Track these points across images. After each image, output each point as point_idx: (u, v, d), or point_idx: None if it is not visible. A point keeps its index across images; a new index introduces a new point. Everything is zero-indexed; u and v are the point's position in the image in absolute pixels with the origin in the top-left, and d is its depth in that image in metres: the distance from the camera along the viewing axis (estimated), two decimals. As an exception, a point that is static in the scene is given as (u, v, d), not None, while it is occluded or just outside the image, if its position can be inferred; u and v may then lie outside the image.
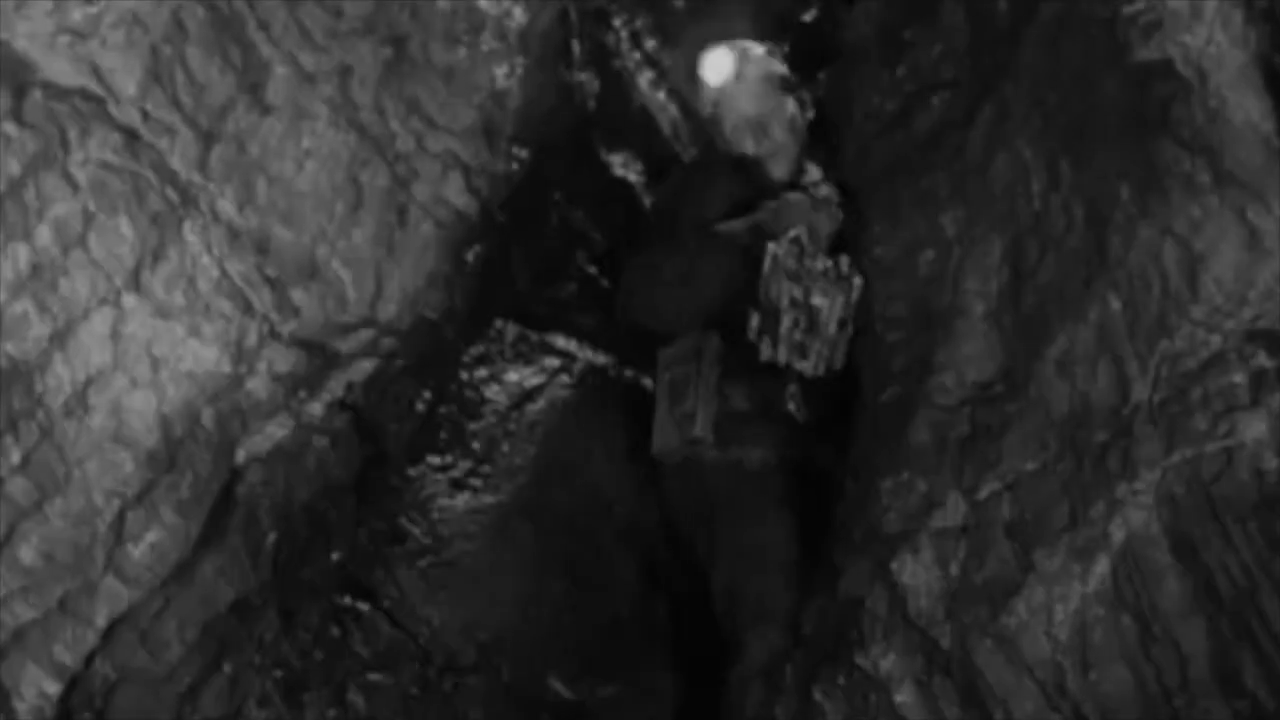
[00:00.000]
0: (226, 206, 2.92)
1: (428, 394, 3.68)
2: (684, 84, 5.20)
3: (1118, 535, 3.05)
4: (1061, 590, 3.12)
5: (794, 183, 4.48)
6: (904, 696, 3.40)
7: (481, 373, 4.52)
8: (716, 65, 4.48)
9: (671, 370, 4.19)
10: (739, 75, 4.49)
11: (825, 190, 4.49)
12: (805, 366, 4.06)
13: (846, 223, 4.32)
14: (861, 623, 3.51)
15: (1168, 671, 2.97)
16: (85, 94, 2.74)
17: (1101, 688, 3.06)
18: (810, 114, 4.68)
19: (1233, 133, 3.04)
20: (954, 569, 3.37)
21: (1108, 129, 3.32)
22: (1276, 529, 2.82)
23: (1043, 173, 3.50)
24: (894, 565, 3.45)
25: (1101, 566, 3.07)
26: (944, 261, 3.77)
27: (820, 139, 4.68)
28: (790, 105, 4.56)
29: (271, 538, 3.20)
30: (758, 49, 4.62)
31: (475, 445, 4.47)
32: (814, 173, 4.61)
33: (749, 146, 4.44)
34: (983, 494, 3.36)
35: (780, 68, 4.60)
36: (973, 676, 3.25)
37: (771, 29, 5.10)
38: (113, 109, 2.78)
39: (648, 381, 4.53)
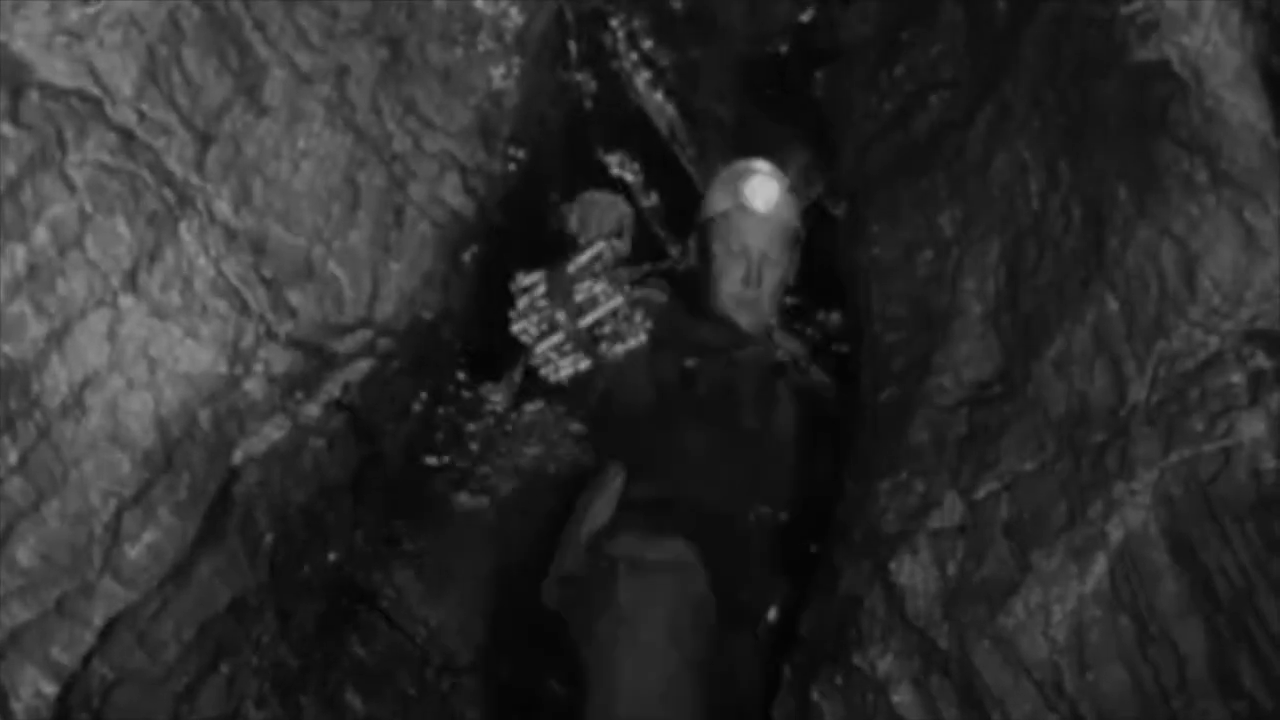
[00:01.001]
0: (223, 207, 2.92)
1: (425, 395, 3.68)
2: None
3: (1115, 535, 3.05)
4: (1059, 590, 3.12)
5: (749, 339, 4.27)
6: (902, 696, 3.40)
7: (479, 373, 4.52)
8: (765, 191, 4.27)
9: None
10: (776, 208, 4.27)
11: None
12: (549, 365, 3.55)
13: (844, 223, 4.30)
14: (859, 623, 3.51)
15: (1165, 672, 2.97)
16: (82, 94, 2.73)
17: (1099, 688, 3.05)
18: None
19: (1230, 133, 3.04)
20: (952, 569, 3.37)
21: (1106, 129, 3.32)
22: (1274, 529, 2.82)
23: (1041, 173, 3.50)
24: (892, 565, 3.45)
25: (1099, 566, 3.07)
26: (942, 262, 3.77)
27: (819, 139, 4.68)
28: (788, 266, 4.38)
29: (269, 539, 3.20)
30: (792, 193, 4.47)
31: (472, 446, 4.48)
32: (782, 341, 4.52)
33: (734, 279, 4.20)
34: (981, 494, 3.36)
35: (798, 222, 4.43)
36: (970, 677, 3.25)
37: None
38: (109, 109, 2.78)
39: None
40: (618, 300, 3.46)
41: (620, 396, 3.91)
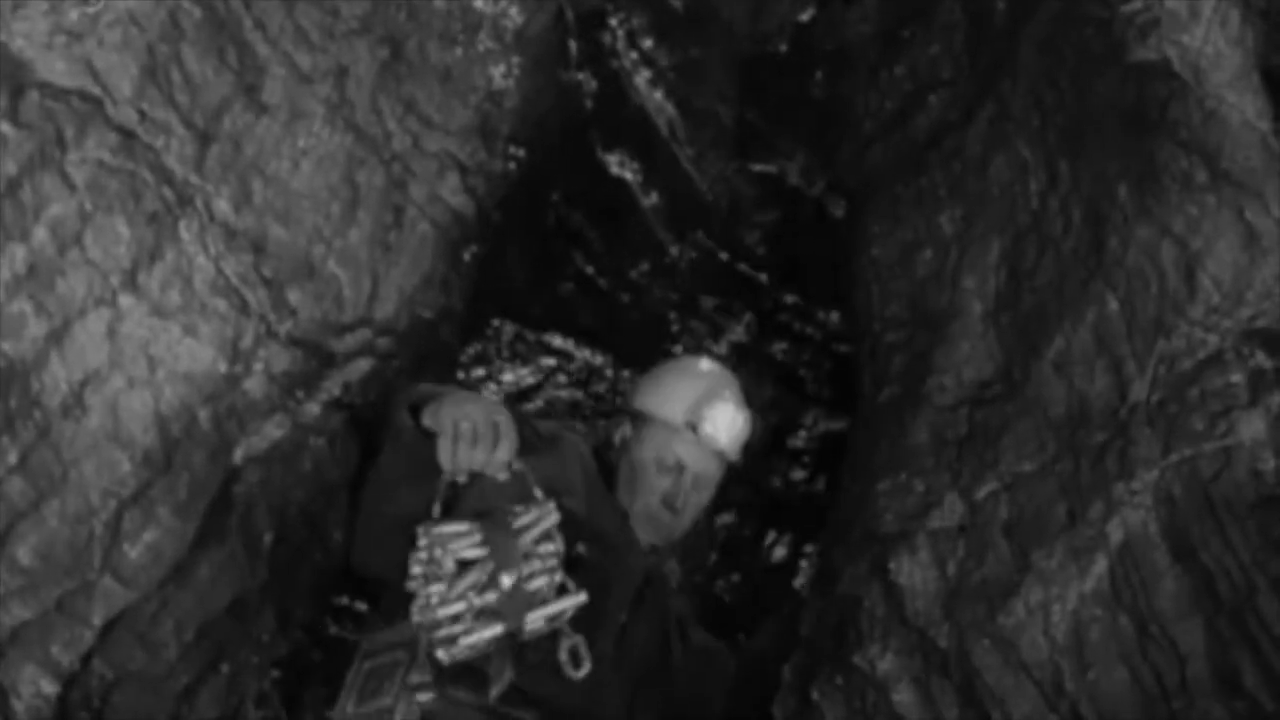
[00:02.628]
0: (223, 206, 2.92)
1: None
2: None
3: (1115, 535, 3.05)
4: (1059, 590, 3.12)
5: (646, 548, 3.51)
6: (902, 696, 3.40)
7: (478, 372, 4.52)
8: (731, 432, 3.54)
9: (376, 658, 3.11)
10: (732, 448, 3.54)
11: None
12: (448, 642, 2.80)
13: (844, 222, 4.28)
14: (859, 623, 3.51)
15: (1166, 672, 2.97)
16: (82, 94, 2.73)
17: (1099, 688, 3.06)
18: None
19: (1230, 132, 3.05)
20: (952, 569, 3.37)
21: (1105, 128, 3.33)
22: (1275, 529, 2.82)
23: (1041, 172, 3.51)
24: (892, 565, 3.45)
25: (1099, 566, 3.08)
26: (942, 261, 3.77)
27: (818, 139, 4.68)
28: (707, 499, 3.62)
29: (268, 538, 3.19)
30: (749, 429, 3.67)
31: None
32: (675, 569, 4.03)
33: (655, 494, 3.46)
34: (980, 494, 3.36)
35: (738, 460, 3.65)
36: (970, 676, 3.25)
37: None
38: (109, 109, 2.77)
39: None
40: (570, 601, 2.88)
41: None
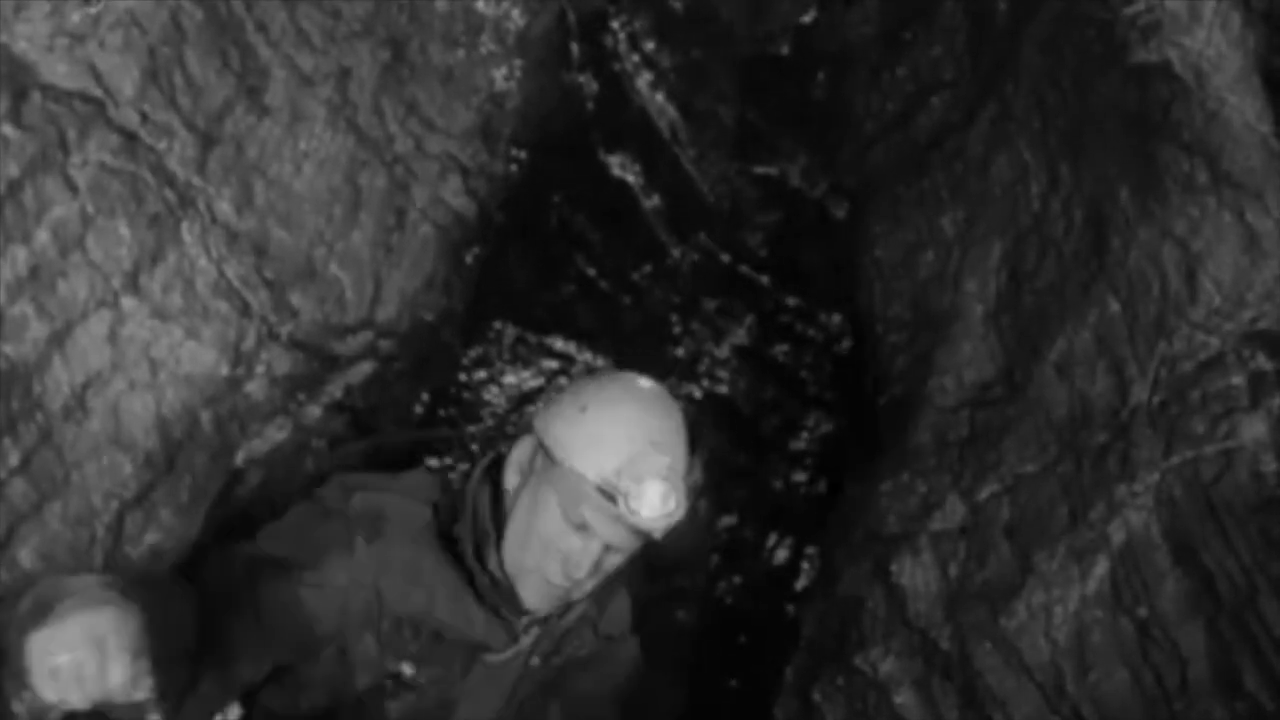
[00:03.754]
0: (225, 208, 2.92)
1: (426, 396, 3.67)
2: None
3: (1117, 537, 3.06)
4: (1061, 592, 3.12)
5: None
6: (903, 698, 3.40)
7: (480, 375, 4.52)
8: (663, 510, 2.61)
9: None
10: (654, 525, 2.63)
11: None
12: None
13: (846, 224, 4.27)
14: (861, 624, 3.51)
15: (1167, 673, 2.97)
16: (84, 96, 2.73)
17: (1101, 689, 3.06)
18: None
19: (1231, 134, 3.05)
20: (953, 570, 3.37)
21: (1107, 130, 3.33)
22: (1275, 530, 2.82)
23: (1042, 174, 3.51)
24: (894, 567, 3.46)
25: (1101, 568, 3.08)
26: (944, 262, 3.78)
27: (820, 140, 4.68)
28: (622, 562, 2.77)
29: (270, 540, 3.20)
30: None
31: (473, 448, 4.47)
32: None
33: (551, 552, 2.66)
34: (982, 495, 3.36)
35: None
36: (972, 678, 3.25)
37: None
38: (111, 111, 2.77)
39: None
40: None
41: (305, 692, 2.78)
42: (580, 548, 2.68)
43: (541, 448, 2.73)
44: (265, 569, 2.64)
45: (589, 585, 2.77)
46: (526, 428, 2.83)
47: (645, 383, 2.85)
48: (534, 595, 2.73)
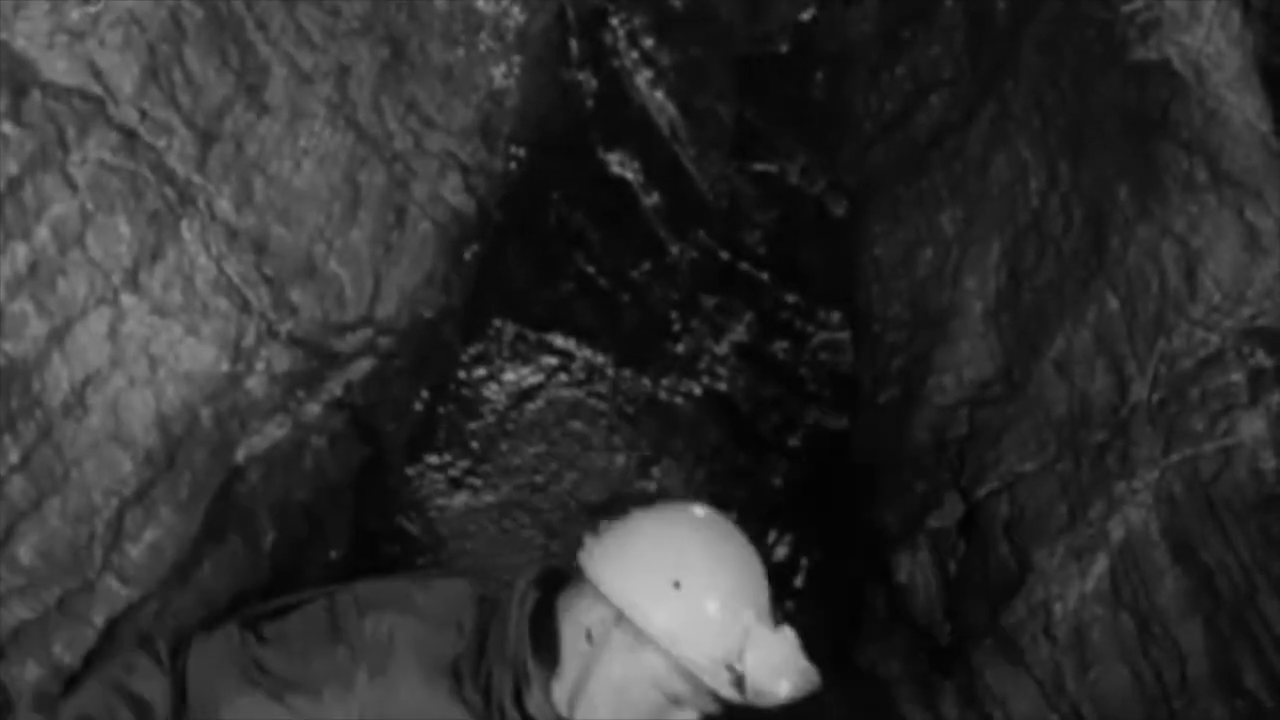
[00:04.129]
0: (224, 206, 2.92)
1: (426, 393, 3.67)
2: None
3: (1116, 535, 3.06)
4: (1060, 589, 3.13)
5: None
6: (903, 695, 3.41)
7: (480, 372, 4.52)
8: (805, 680, 2.52)
9: None
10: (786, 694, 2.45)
11: None
12: None
13: (845, 222, 4.26)
14: (861, 622, 3.52)
15: (1167, 670, 2.98)
16: (84, 94, 2.73)
17: (1100, 687, 3.06)
18: None
19: (1231, 132, 3.05)
20: (953, 568, 3.37)
21: (1106, 129, 3.33)
22: (1275, 528, 2.83)
23: (1041, 172, 3.51)
24: (893, 565, 3.46)
25: (1100, 566, 3.08)
26: (943, 261, 3.78)
27: (819, 139, 4.67)
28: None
29: (270, 537, 3.19)
30: None
31: (473, 444, 4.47)
32: None
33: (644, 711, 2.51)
34: (981, 493, 3.37)
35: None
36: (971, 676, 3.25)
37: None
38: (111, 109, 2.77)
39: (646, 380, 4.54)
40: None
41: None
42: (662, 712, 2.55)
43: (624, 620, 2.50)
44: (263, 680, 2.55)
45: None
46: (581, 573, 2.59)
47: (724, 528, 2.65)
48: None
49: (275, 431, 3.12)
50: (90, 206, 2.74)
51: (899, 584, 3.44)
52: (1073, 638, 3.10)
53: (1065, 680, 3.10)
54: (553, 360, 4.78)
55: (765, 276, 5.05)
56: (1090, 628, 3.09)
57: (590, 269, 4.91)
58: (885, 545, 3.53)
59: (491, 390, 4.52)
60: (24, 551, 2.74)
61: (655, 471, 4.45)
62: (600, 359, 4.75)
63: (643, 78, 5.15)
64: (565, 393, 4.71)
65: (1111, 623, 3.07)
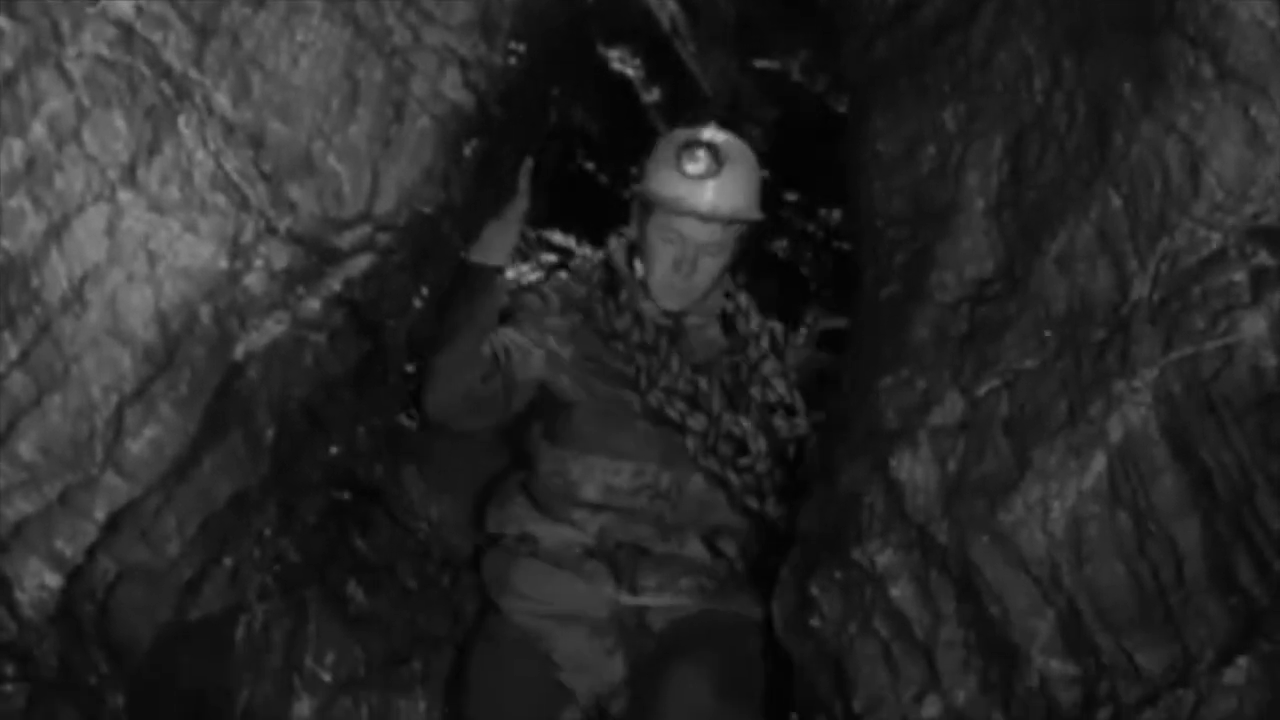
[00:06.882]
0: (221, 101, 2.90)
1: (425, 290, 3.66)
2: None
3: (1115, 433, 3.06)
4: (1058, 487, 3.13)
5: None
6: (900, 591, 3.42)
7: (480, 269, 4.50)
8: (703, 160, 3.86)
9: None
10: (720, 208, 3.87)
11: None
12: None
13: (847, 118, 4.24)
14: (859, 518, 3.52)
15: (1163, 568, 2.99)
16: (78, -13, 2.71)
17: (1096, 583, 3.08)
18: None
19: (1238, 28, 3.02)
20: (952, 466, 3.38)
21: (1111, 23, 3.29)
22: (1274, 427, 2.83)
23: (1045, 68, 3.48)
24: (892, 462, 3.46)
25: (1098, 464, 3.08)
26: (945, 157, 3.75)
27: (821, 34, 4.64)
28: (723, 261, 4.00)
29: (270, 433, 3.20)
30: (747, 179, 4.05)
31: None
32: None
33: (663, 260, 3.90)
34: (981, 391, 3.36)
35: (756, 212, 4.06)
36: (969, 572, 3.27)
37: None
38: (106, 2, 2.75)
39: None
40: None
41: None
42: (679, 251, 3.79)
43: (638, 200, 3.95)
44: None
45: (700, 280, 3.86)
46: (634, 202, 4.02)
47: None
48: (666, 296, 3.89)
49: (274, 328, 3.12)
50: (86, 102, 2.73)
51: (898, 481, 3.44)
52: (1070, 534, 3.11)
53: (1062, 576, 3.11)
54: (552, 257, 4.78)
55: (766, 174, 5.04)
56: (1087, 525, 3.09)
57: (590, 165, 4.90)
58: (884, 442, 3.53)
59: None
60: (25, 447, 2.76)
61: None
62: (599, 255, 4.75)
63: (644, -28, 5.12)
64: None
65: (1109, 520, 3.07)
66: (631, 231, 3.95)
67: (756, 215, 3.94)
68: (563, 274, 4.62)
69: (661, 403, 3.68)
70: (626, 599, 3.62)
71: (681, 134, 3.97)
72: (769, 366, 3.93)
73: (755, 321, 3.95)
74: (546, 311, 3.82)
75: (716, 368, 3.87)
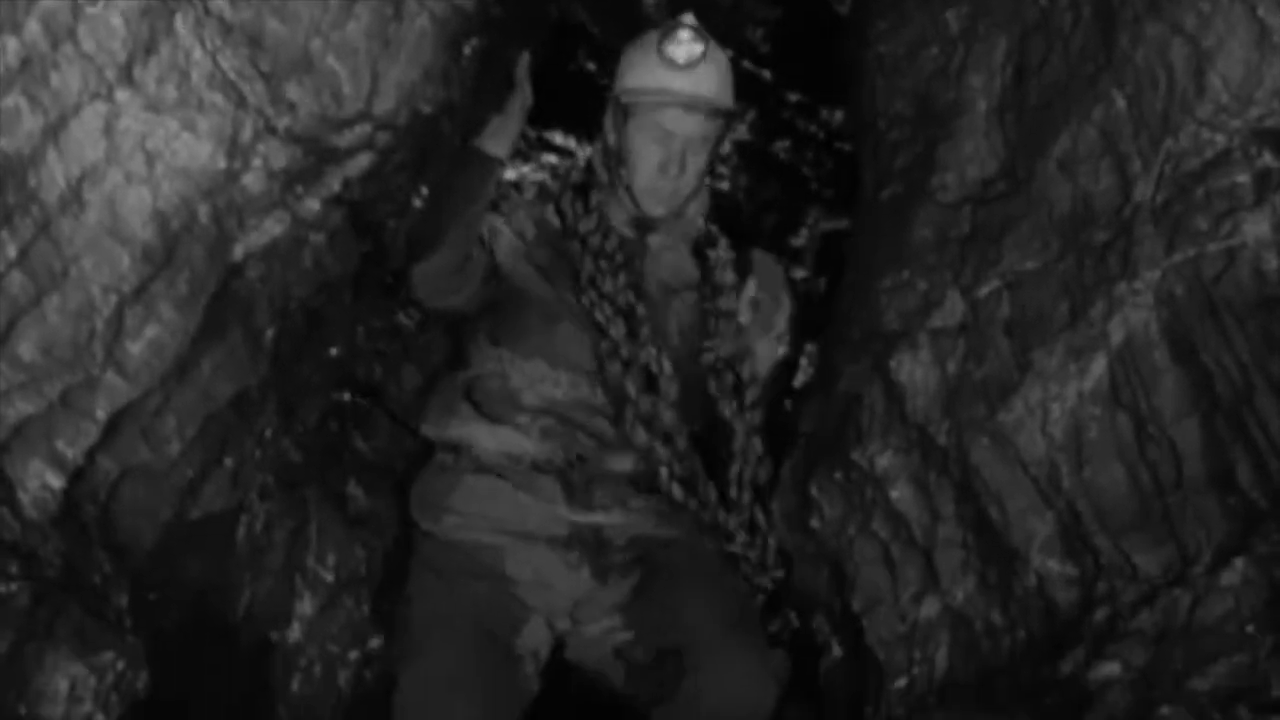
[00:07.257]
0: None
1: (425, 189, 3.65)
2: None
3: (1116, 335, 3.06)
4: (1059, 389, 3.14)
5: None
6: (899, 492, 3.44)
7: (479, 169, 4.49)
8: (686, 43, 3.49)
9: None
10: (704, 58, 3.51)
11: None
12: None
13: (849, 19, 4.20)
14: (859, 420, 3.54)
15: (1162, 469, 3.00)
16: (72, -121, 2.68)
17: (1095, 484, 3.09)
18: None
19: (1246, -74, 2.99)
20: (952, 367, 3.38)
21: (1117, -79, 3.26)
22: (1275, 329, 2.82)
23: (1050, -34, 3.45)
24: (892, 363, 3.47)
25: (1099, 366, 3.09)
26: (948, 58, 3.73)
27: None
28: (705, 160, 3.59)
29: (270, 333, 3.20)
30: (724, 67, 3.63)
31: (476, 239, 4.46)
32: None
33: (649, 161, 3.49)
34: (982, 293, 3.36)
35: (729, 100, 3.61)
36: (968, 473, 3.28)
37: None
38: (101, -102, 2.72)
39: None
40: None
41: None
42: (664, 151, 3.42)
43: (615, 103, 3.52)
44: None
45: (687, 181, 3.48)
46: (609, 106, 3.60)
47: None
48: (651, 202, 3.49)
49: (273, 228, 3.11)
50: (81, -1, 2.70)
51: (898, 382, 3.45)
52: (1070, 436, 3.12)
53: (1061, 478, 3.13)
54: (553, 157, 4.75)
55: (768, 74, 5.00)
56: (1088, 427, 3.10)
57: (591, 66, 4.86)
58: (885, 343, 3.53)
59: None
60: (25, 348, 2.75)
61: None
62: (600, 156, 4.73)
63: None
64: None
65: (1109, 422, 3.08)
66: (611, 138, 3.57)
67: (733, 104, 3.80)
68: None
69: (593, 304, 3.52)
70: (580, 516, 3.49)
71: (654, 31, 3.61)
72: (726, 301, 3.73)
73: (723, 246, 3.76)
74: (521, 201, 3.70)
75: (676, 302, 3.72)
